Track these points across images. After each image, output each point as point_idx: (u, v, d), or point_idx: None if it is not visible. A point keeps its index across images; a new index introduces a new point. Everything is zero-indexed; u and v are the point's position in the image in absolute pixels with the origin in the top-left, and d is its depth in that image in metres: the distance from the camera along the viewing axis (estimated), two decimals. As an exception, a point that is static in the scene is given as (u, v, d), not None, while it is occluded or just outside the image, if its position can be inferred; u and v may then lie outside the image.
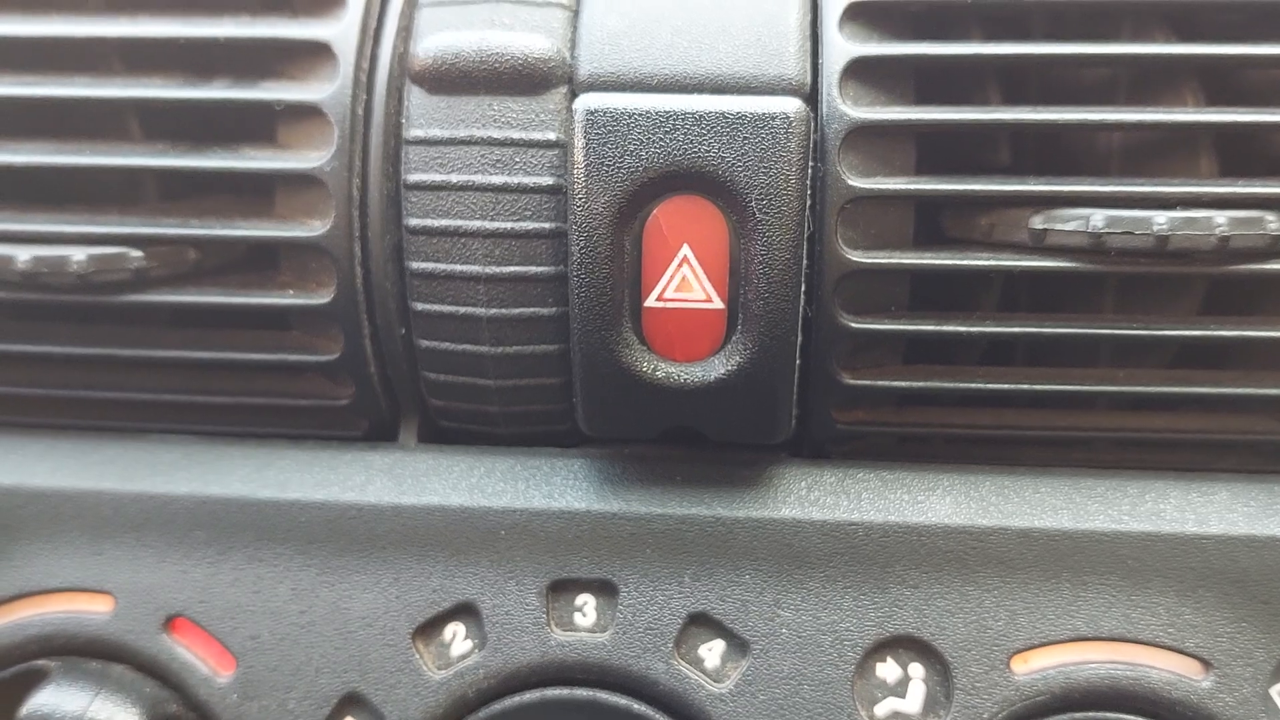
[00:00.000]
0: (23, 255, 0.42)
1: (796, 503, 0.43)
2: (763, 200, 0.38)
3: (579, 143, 0.38)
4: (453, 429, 0.46)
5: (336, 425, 0.45)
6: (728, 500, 0.43)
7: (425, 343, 0.43)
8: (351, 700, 0.43)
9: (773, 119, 0.38)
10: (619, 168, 0.38)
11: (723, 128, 0.38)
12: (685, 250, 0.39)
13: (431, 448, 0.45)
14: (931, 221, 0.43)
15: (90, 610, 0.44)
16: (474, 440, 0.46)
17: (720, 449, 0.44)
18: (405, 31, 0.42)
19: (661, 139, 0.38)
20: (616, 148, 0.38)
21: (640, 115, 0.38)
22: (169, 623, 0.44)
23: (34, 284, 0.42)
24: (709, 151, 0.38)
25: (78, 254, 0.42)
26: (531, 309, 0.41)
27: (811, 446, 0.44)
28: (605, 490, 0.43)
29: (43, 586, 0.45)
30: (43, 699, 0.42)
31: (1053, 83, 0.43)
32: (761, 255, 0.39)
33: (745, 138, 0.38)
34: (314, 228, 0.42)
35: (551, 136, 0.41)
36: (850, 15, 0.41)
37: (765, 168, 0.38)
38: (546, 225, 0.41)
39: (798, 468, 0.44)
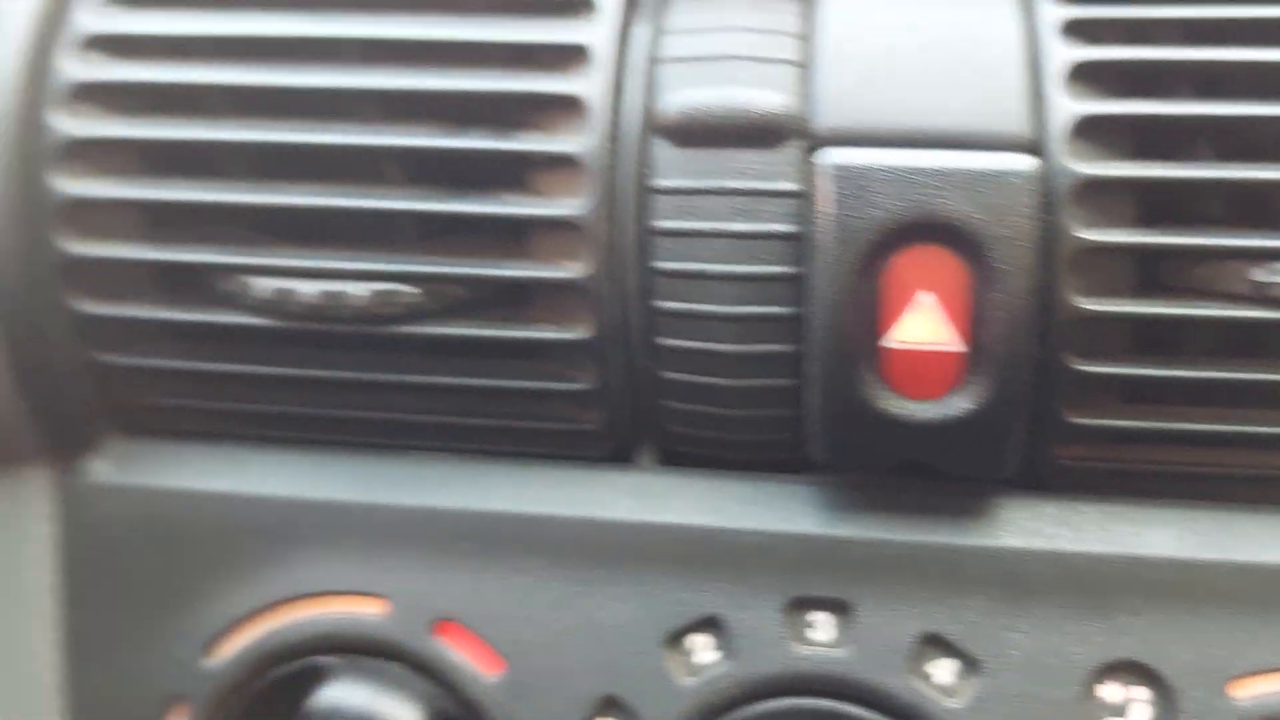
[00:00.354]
0: (310, 289, 0.46)
1: (1020, 533, 0.46)
2: (1001, 251, 0.41)
3: (825, 195, 0.42)
4: (684, 453, 0.49)
5: (581, 448, 0.49)
6: (955, 528, 0.46)
7: (670, 374, 0.46)
8: (610, 703, 0.47)
9: (1009, 175, 0.41)
10: (863, 219, 0.41)
11: (962, 183, 0.41)
12: (925, 296, 0.42)
13: (670, 470, 0.49)
14: (1148, 269, 0.45)
15: (365, 612, 0.49)
16: (704, 464, 0.49)
17: (942, 479, 0.47)
18: (648, 87, 0.46)
19: (904, 193, 0.41)
20: (861, 200, 0.41)
21: (884, 170, 0.41)
22: (439, 625, 0.48)
23: (316, 315, 0.47)
24: (949, 205, 0.41)
25: (359, 289, 0.46)
26: (770, 346, 0.45)
27: (1032, 479, 0.47)
28: (837, 516, 0.47)
29: (321, 589, 0.50)
30: (332, 693, 0.47)
31: (1256, 138, 0.45)
32: (1000, 302, 0.41)
33: (983, 192, 0.41)
34: (573, 269, 0.45)
35: (789, 187, 0.44)
36: (1075, 75, 0.43)
37: (1003, 221, 0.41)
38: (786, 269, 0.44)
39: (1020, 499, 0.47)
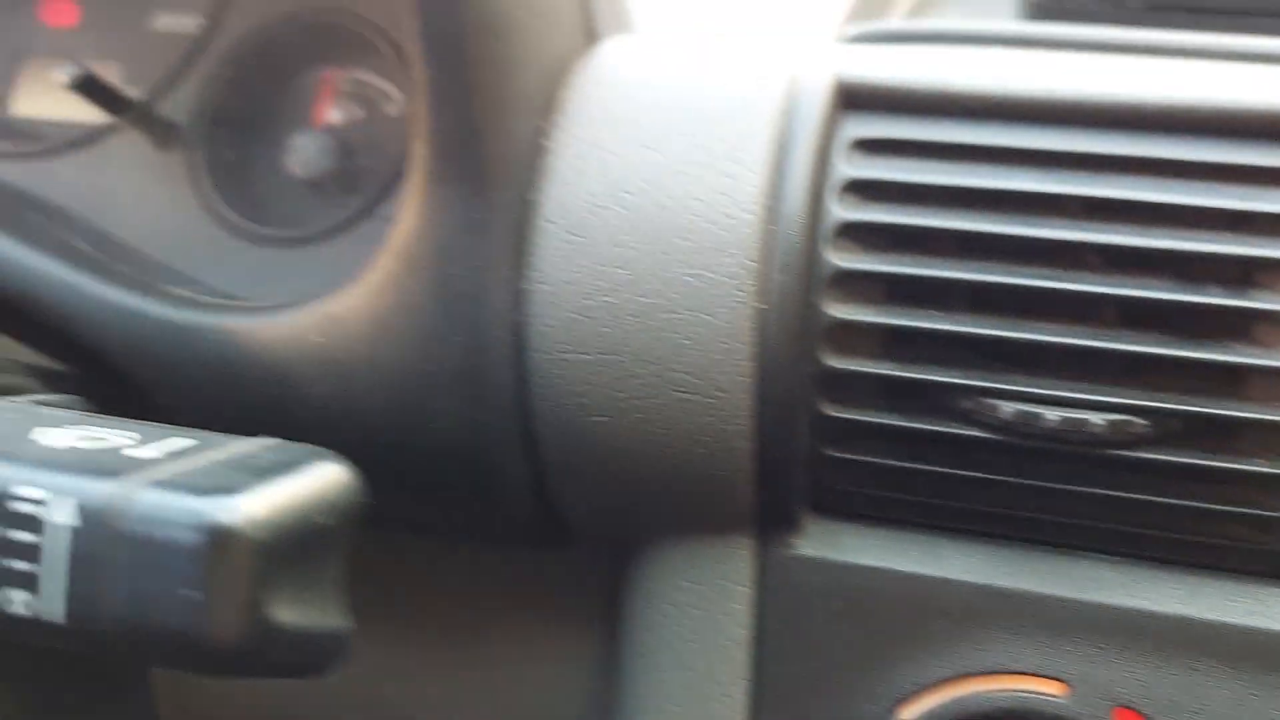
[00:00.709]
0: (1053, 415, 0.54)
1: None
2: None
3: None
4: None
5: (1248, 564, 0.55)
6: None
7: None
8: None
9: None
10: None
11: None
12: None
13: None
14: None
15: (1046, 691, 0.56)
16: None
17: None
18: None
19: None
20: None
21: None
22: (1118, 711, 0.55)
23: (1055, 437, 0.54)
24: None
25: (1098, 418, 0.53)
26: None
27: None
28: None
29: (1003, 668, 0.57)
30: None
31: None
32: None
33: None
34: None
35: None
36: None
37: None
38: None
39: None
